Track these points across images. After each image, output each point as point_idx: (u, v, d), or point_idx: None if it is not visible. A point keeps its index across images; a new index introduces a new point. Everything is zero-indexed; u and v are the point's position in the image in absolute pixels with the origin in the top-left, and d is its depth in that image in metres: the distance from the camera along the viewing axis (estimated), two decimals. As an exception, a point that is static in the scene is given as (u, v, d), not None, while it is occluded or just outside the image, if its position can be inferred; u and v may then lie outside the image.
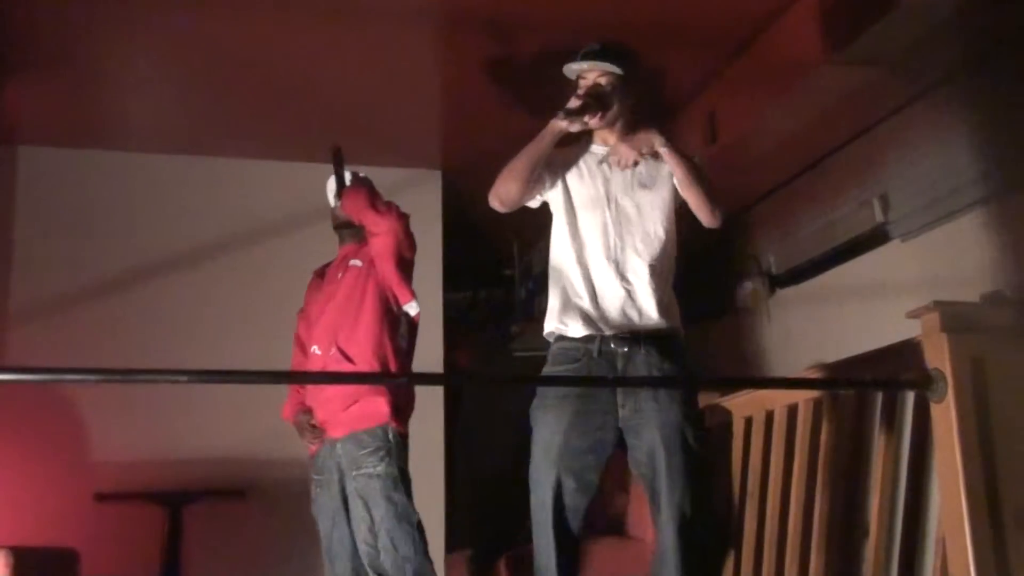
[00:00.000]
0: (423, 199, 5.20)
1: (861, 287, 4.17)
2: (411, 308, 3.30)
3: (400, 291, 3.26)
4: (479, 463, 6.22)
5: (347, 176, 3.38)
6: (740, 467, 4.04)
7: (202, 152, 4.95)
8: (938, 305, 2.79)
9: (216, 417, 4.56)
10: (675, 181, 2.75)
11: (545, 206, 2.85)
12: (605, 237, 2.71)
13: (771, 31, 3.85)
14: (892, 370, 3.10)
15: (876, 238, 4.09)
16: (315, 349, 3.32)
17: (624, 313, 2.67)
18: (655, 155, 2.74)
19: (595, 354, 2.64)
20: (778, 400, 3.79)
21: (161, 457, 4.53)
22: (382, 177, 5.18)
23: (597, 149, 2.82)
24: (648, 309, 2.68)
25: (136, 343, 4.57)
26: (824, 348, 3.87)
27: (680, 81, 4.32)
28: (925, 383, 2.73)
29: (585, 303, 2.68)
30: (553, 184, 2.77)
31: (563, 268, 2.73)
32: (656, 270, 2.71)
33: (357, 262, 3.35)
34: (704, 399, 4.24)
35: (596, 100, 2.71)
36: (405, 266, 3.29)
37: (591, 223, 2.73)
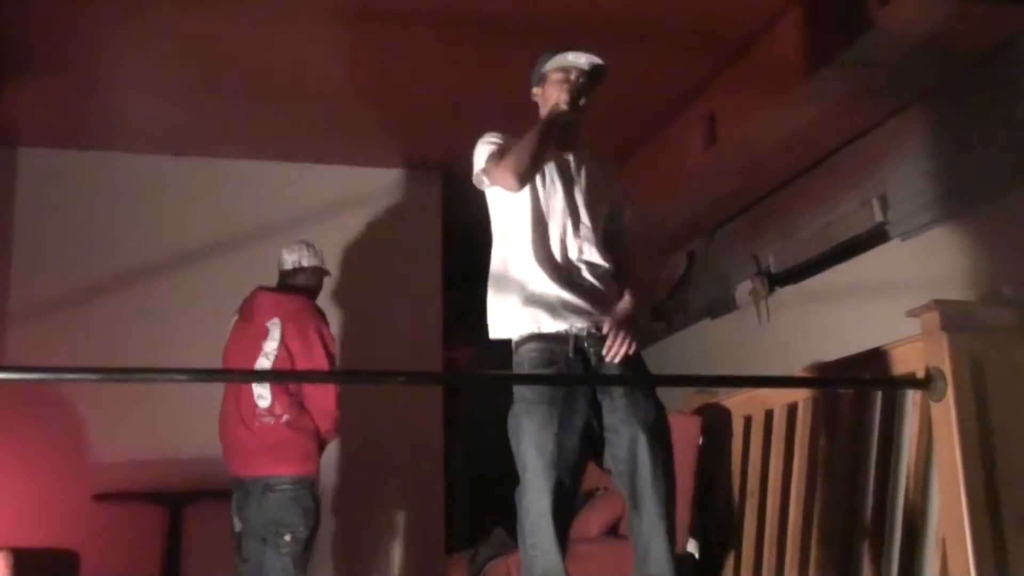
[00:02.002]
0: (423, 199, 5.22)
1: (860, 286, 4.17)
2: None
3: None
4: (478, 464, 6.22)
5: None
6: (740, 466, 4.04)
7: (201, 153, 4.95)
8: (938, 304, 2.79)
9: (216, 417, 4.56)
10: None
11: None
12: (567, 233, 2.73)
13: (771, 33, 3.85)
14: (891, 369, 3.10)
15: (875, 238, 4.09)
16: None
17: (593, 310, 2.69)
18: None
19: (570, 353, 2.65)
20: (777, 399, 3.79)
21: (161, 457, 4.53)
22: (383, 178, 5.24)
23: None
24: (615, 305, 2.73)
25: (135, 343, 4.58)
26: (823, 347, 3.87)
27: (680, 82, 4.32)
28: (924, 382, 2.74)
29: (557, 297, 2.68)
30: None
31: (527, 260, 2.72)
32: (608, 267, 2.77)
33: None
34: (703, 398, 4.25)
35: (587, 89, 2.79)
36: None
37: (557, 218, 2.74)
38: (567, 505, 2.61)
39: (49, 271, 4.70)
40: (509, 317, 2.73)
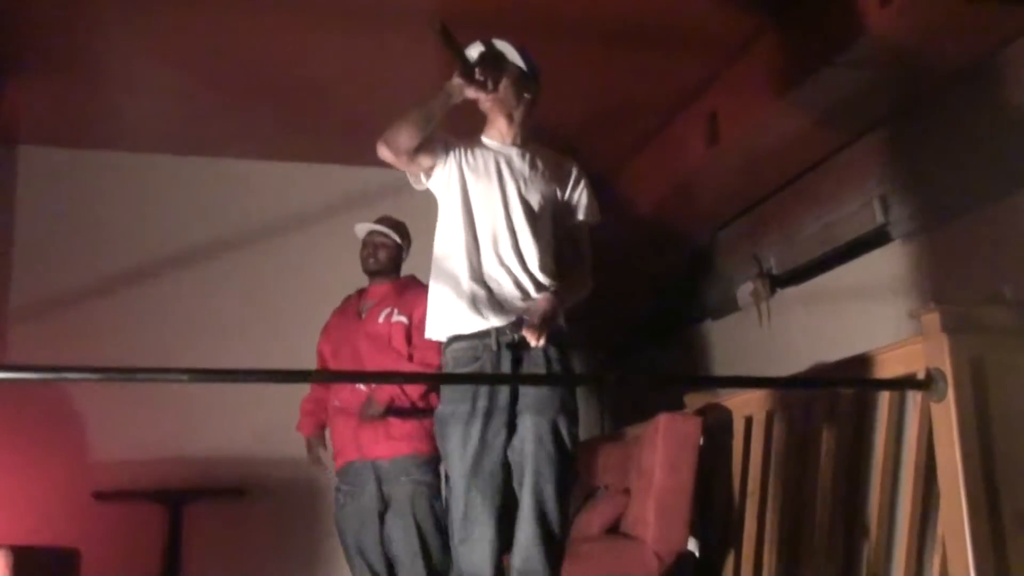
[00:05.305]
0: (424, 201, 5.21)
1: (861, 288, 4.18)
2: None
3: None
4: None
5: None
6: (740, 467, 4.04)
7: (202, 152, 4.96)
8: (938, 305, 2.79)
9: (216, 416, 4.57)
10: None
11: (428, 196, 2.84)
12: (498, 228, 2.68)
13: (772, 32, 3.85)
14: (892, 370, 3.10)
15: (877, 239, 4.09)
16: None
17: (518, 306, 2.64)
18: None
19: (493, 347, 2.62)
20: (778, 400, 3.79)
21: (161, 456, 4.54)
22: (383, 177, 5.20)
23: (489, 143, 2.81)
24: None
25: (136, 342, 4.58)
26: (824, 348, 3.87)
27: (681, 81, 4.32)
28: (925, 383, 2.74)
29: (477, 293, 2.64)
30: (446, 164, 2.76)
31: (453, 256, 2.69)
32: (545, 264, 2.69)
33: (402, 319, 3.73)
34: (704, 398, 4.25)
35: (491, 63, 2.77)
36: None
37: (485, 216, 2.69)
38: (502, 499, 2.59)
39: (50, 270, 4.70)
40: (436, 317, 2.71)
